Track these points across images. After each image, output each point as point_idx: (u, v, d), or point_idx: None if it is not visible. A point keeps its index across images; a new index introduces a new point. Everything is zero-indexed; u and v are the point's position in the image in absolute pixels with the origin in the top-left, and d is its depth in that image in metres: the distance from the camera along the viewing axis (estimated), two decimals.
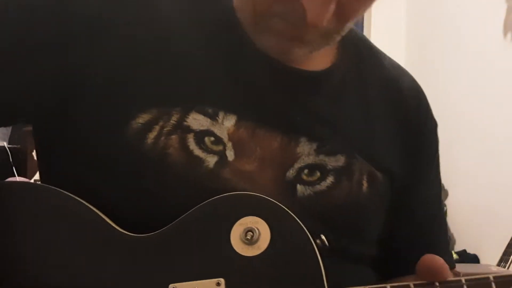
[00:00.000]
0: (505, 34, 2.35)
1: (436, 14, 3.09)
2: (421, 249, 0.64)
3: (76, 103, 0.56)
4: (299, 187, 0.59)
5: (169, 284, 0.52)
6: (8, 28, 0.57)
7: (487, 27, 2.47)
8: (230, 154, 0.58)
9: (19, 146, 3.25)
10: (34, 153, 3.26)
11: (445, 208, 2.89)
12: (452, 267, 0.68)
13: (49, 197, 0.55)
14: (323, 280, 0.52)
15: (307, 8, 0.53)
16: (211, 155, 0.57)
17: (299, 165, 0.60)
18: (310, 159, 0.60)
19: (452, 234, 2.85)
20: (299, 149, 0.60)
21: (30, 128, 0.64)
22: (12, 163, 3.10)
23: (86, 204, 0.54)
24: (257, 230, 0.52)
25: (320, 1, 0.53)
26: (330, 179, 0.61)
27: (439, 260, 0.50)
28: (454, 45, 2.82)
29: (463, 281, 0.47)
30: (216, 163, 0.57)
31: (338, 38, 0.60)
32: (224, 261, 0.52)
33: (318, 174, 0.61)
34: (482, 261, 2.46)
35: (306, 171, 0.60)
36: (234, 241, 0.52)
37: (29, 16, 0.57)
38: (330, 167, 0.61)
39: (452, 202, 2.86)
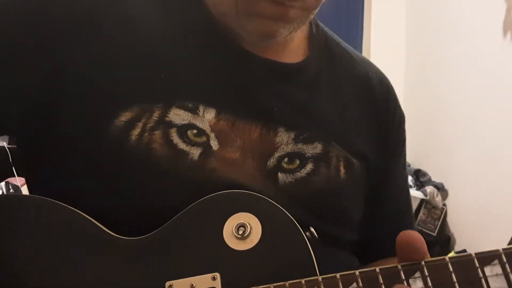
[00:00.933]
0: (504, 34, 2.36)
1: (435, 14, 3.09)
2: (398, 229, 0.70)
3: (59, 105, 0.57)
4: (280, 175, 0.62)
5: (166, 282, 0.52)
6: None
7: (487, 27, 2.47)
8: (214, 144, 0.59)
9: None
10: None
11: (445, 208, 2.89)
12: None
13: (34, 206, 0.55)
14: (315, 270, 0.54)
15: None
16: (195, 147, 0.58)
17: (279, 154, 0.62)
18: (289, 148, 0.63)
19: (452, 234, 2.85)
20: (278, 139, 0.62)
21: None
22: (12, 163, 3.10)
23: (75, 209, 0.55)
24: (248, 225, 0.54)
25: None
26: (309, 166, 0.64)
27: (415, 234, 0.51)
28: (453, 45, 2.82)
29: (447, 259, 0.48)
30: (201, 154, 0.58)
31: (313, 15, 0.63)
32: (218, 256, 0.54)
33: (298, 162, 0.63)
34: None
35: (286, 159, 0.62)
36: (227, 237, 0.54)
37: (10, 20, 0.58)
38: (309, 154, 0.64)
39: (452, 202, 2.86)
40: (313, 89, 0.68)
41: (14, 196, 0.57)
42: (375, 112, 0.73)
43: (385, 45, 3.47)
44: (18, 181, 3.07)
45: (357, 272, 0.49)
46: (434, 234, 2.83)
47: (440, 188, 2.88)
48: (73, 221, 0.55)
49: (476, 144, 2.56)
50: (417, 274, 0.48)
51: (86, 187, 0.57)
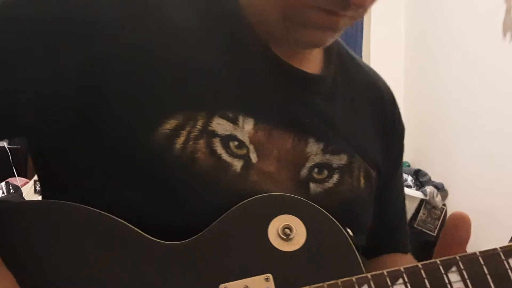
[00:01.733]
0: (504, 34, 2.36)
1: (435, 14, 3.09)
2: (393, 233, 0.81)
3: (101, 109, 0.55)
4: (311, 185, 0.63)
5: (219, 284, 0.52)
6: (16, 32, 0.55)
7: (486, 27, 2.47)
8: (253, 157, 0.59)
9: (19, 146, 3.25)
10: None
11: (445, 208, 2.89)
12: (406, 251, 0.81)
13: (74, 214, 0.54)
14: (361, 267, 0.56)
15: None
16: (237, 159, 0.58)
17: (310, 164, 0.63)
18: (318, 158, 0.64)
19: None
20: (308, 149, 0.64)
21: None
22: (12, 163, 3.10)
23: (117, 218, 0.53)
24: (293, 227, 0.56)
25: None
26: (336, 177, 0.65)
27: (465, 214, 0.57)
28: (453, 46, 2.82)
29: (478, 253, 0.53)
30: (243, 166, 0.58)
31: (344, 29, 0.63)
32: (266, 257, 0.54)
33: (326, 172, 0.64)
34: None
35: (316, 169, 0.64)
36: (272, 239, 0.55)
37: (38, 19, 0.55)
38: (335, 165, 0.65)
39: (451, 202, 2.86)
40: (333, 100, 0.69)
41: (55, 203, 0.55)
42: (383, 120, 0.75)
43: (385, 46, 3.48)
44: (18, 181, 3.08)
45: (402, 268, 0.52)
46: (434, 234, 2.83)
47: (440, 188, 2.88)
48: (117, 229, 0.53)
49: (476, 144, 2.57)
50: (454, 268, 0.52)
51: (125, 196, 0.55)
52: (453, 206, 2.84)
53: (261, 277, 0.53)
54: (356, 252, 0.56)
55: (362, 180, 0.68)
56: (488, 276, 0.51)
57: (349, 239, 0.57)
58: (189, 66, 0.58)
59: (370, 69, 0.78)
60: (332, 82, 0.69)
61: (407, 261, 0.78)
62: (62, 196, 0.58)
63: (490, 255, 0.53)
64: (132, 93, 0.55)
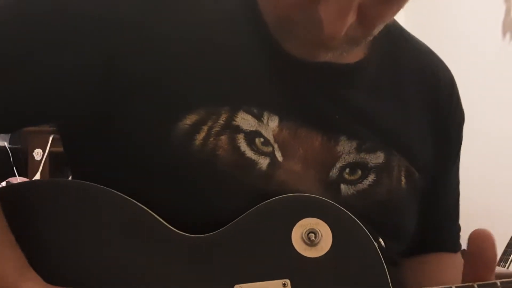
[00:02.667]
0: (503, 34, 2.36)
1: (434, 14, 3.09)
2: (447, 228, 0.72)
3: (121, 105, 0.55)
4: (342, 186, 0.59)
5: (235, 284, 0.51)
6: (37, 31, 0.55)
7: (486, 27, 2.47)
8: (279, 155, 0.56)
9: (19, 146, 3.25)
10: (34, 153, 3.27)
11: None
12: (455, 250, 0.73)
13: (103, 197, 0.53)
14: (387, 280, 0.52)
15: (324, 20, 0.51)
16: (262, 156, 0.55)
17: (341, 164, 0.59)
18: (351, 158, 0.60)
19: None
20: (339, 148, 0.59)
21: (31, 128, 0.63)
22: (13, 163, 3.10)
23: (142, 206, 0.53)
24: (319, 232, 0.52)
25: (336, 13, 0.50)
26: (371, 177, 0.60)
27: (488, 232, 0.51)
28: (452, 45, 2.81)
29: (498, 283, 0.48)
30: (269, 165, 0.55)
31: (369, 39, 0.58)
32: (287, 262, 0.52)
33: (360, 172, 0.60)
34: None
35: (347, 170, 0.59)
36: (295, 242, 0.52)
37: (76, 23, 0.55)
38: (371, 164, 0.60)
39: None
40: (373, 90, 0.63)
41: (78, 183, 0.56)
42: (436, 109, 0.68)
43: None
44: (19, 180, 3.07)
45: None
46: None
47: None
48: (141, 216, 0.53)
49: (476, 144, 2.56)
50: None
51: (145, 190, 0.54)
52: None
53: (278, 282, 0.51)
54: (385, 265, 0.52)
55: (403, 180, 0.63)
56: None
57: (379, 250, 0.53)
58: (212, 61, 0.56)
59: (426, 50, 0.71)
60: (376, 69, 0.64)
61: (454, 262, 0.72)
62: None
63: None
64: (152, 88, 0.55)
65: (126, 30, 0.55)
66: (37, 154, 3.29)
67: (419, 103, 0.67)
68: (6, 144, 3.14)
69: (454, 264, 0.70)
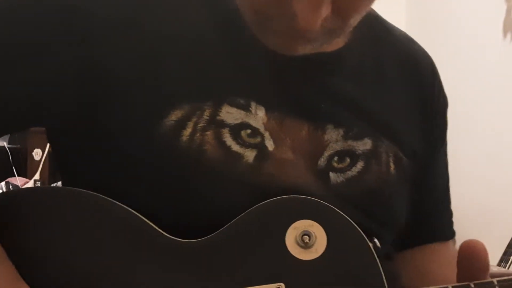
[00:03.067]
0: (504, 34, 2.35)
1: (435, 14, 3.09)
2: (437, 217, 0.72)
3: (104, 104, 0.55)
4: (331, 175, 0.59)
5: None
6: (19, 28, 0.55)
7: (487, 27, 2.47)
8: (270, 144, 0.56)
9: (19, 146, 3.25)
10: (34, 153, 3.27)
11: None
12: (448, 238, 0.73)
13: (93, 203, 0.53)
14: (383, 281, 0.52)
15: (299, 13, 0.51)
16: (249, 149, 0.55)
17: (329, 153, 0.59)
18: (339, 146, 0.60)
19: None
20: (326, 137, 0.60)
21: (31, 128, 0.63)
22: (12, 163, 3.10)
23: (131, 210, 0.52)
24: (313, 234, 0.52)
25: (310, 6, 0.51)
26: (360, 164, 0.60)
27: (479, 243, 0.50)
28: (453, 45, 2.81)
29: (495, 282, 0.48)
30: (256, 157, 0.55)
31: (348, 30, 0.59)
32: (281, 265, 0.51)
33: (348, 160, 0.60)
34: None
35: (336, 158, 0.59)
36: (289, 245, 0.52)
37: (40, 15, 0.55)
38: (359, 151, 0.61)
39: (452, 202, 2.85)
40: (357, 77, 0.63)
41: (68, 189, 0.56)
42: (420, 95, 0.69)
43: None
44: (18, 181, 3.07)
45: None
46: None
47: None
48: (130, 221, 0.52)
49: (476, 144, 2.56)
50: None
51: (132, 190, 0.54)
52: (453, 206, 2.84)
53: (273, 286, 0.51)
54: (380, 267, 0.52)
55: (392, 166, 0.63)
56: None
57: (374, 252, 0.53)
58: (194, 57, 0.57)
59: (407, 38, 0.72)
60: (358, 56, 0.64)
61: (446, 253, 0.71)
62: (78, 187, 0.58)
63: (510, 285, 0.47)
64: (135, 86, 0.54)
65: (106, 30, 0.55)
66: (37, 154, 3.29)
67: (402, 89, 0.67)
68: (5, 144, 3.14)
69: (447, 254, 0.70)
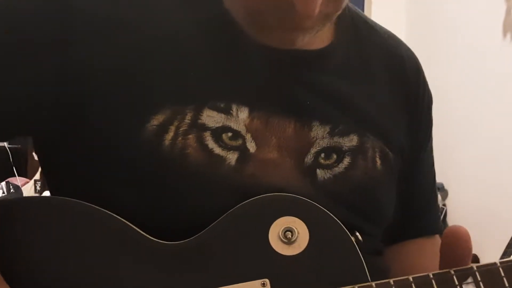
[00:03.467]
0: (504, 34, 2.36)
1: (435, 15, 3.09)
2: (425, 213, 0.73)
3: (86, 109, 0.55)
4: (318, 171, 0.59)
5: None
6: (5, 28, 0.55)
7: (487, 27, 2.47)
8: (251, 146, 0.57)
9: (19, 146, 3.25)
10: (34, 153, 3.27)
11: (445, 208, 2.89)
12: (434, 233, 0.74)
13: (74, 211, 0.53)
14: (366, 274, 0.53)
15: (296, 2, 0.51)
16: (231, 151, 0.56)
17: (315, 150, 0.60)
18: (325, 142, 0.60)
19: None
20: (312, 134, 0.60)
21: None
22: (12, 163, 3.10)
23: (115, 215, 0.53)
24: (295, 229, 0.53)
25: None
26: (346, 160, 0.61)
27: (462, 228, 0.51)
28: (453, 46, 2.82)
29: (498, 263, 0.49)
30: (238, 159, 0.56)
31: (338, 13, 0.59)
32: (265, 261, 0.52)
33: (335, 156, 0.60)
34: (482, 261, 2.46)
35: (322, 155, 0.60)
36: (273, 242, 0.53)
37: (28, 15, 0.55)
38: (345, 148, 0.61)
39: (452, 202, 2.86)
40: (343, 75, 0.64)
41: (50, 198, 0.56)
42: (406, 92, 0.69)
43: None
44: (19, 181, 3.07)
45: (410, 277, 0.49)
46: None
47: (440, 188, 2.88)
48: (112, 225, 0.52)
49: (476, 144, 2.57)
50: (470, 279, 0.48)
51: (116, 194, 0.54)
52: (453, 206, 2.84)
53: (257, 282, 0.51)
54: (362, 259, 0.53)
55: (378, 161, 0.63)
56: None
57: (355, 244, 0.54)
58: (175, 60, 0.57)
59: (391, 36, 0.73)
60: (343, 54, 0.64)
61: (432, 247, 0.71)
62: (63, 194, 0.58)
63: None
64: (117, 91, 0.55)
65: (88, 33, 0.55)
66: None
67: (387, 86, 0.68)
68: (5, 144, 3.14)
69: (435, 248, 0.71)
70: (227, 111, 0.57)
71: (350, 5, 0.67)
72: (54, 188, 0.62)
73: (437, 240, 0.74)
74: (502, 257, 1.96)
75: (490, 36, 2.43)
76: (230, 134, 0.56)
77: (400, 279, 0.49)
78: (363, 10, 3.56)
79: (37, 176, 3.17)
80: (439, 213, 0.77)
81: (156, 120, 0.54)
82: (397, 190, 0.67)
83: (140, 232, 0.53)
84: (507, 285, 0.47)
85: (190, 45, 0.58)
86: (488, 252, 2.35)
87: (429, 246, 0.73)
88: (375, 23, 0.72)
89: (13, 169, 3.09)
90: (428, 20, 3.20)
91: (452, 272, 0.49)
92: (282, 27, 0.56)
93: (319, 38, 0.63)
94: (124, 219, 0.53)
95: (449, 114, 2.86)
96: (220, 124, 0.56)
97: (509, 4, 2.33)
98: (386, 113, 0.67)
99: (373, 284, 0.49)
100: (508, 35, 2.33)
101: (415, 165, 0.71)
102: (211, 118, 0.56)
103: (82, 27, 0.55)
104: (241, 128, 0.57)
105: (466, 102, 2.66)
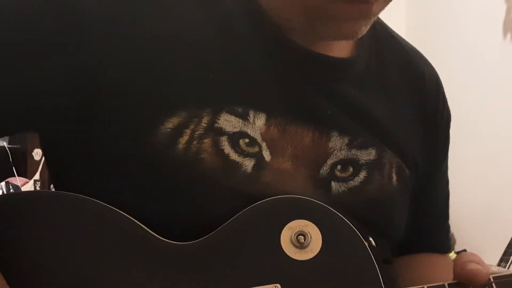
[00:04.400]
0: (504, 34, 2.35)
1: (435, 15, 3.09)
2: (437, 230, 0.74)
3: (98, 110, 0.53)
4: (333, 184, 0.58)
5: None
6: (13, 29, 0.53)
7: (487, 27, 2.47)
8: (266, 155, 0.55)
9: (19, 146, 3.25)
10: (34, 153, 3.26)
11: None
12: (445, 251, 0.74)
13: (88, 208, 0.52)
14: (379, 280, 0.52)
15: None
16: (247, 158, 0.54)
17: (332, 161, 0.58)
18: (343, 154, 0.59)
19: (452, 234, 2.84)
20: (331, 144, 0.58)
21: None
22: (12, 163, 3.10)
23: (126, 215, 0.52)
24: (308, 234, 0.52)
25: None
26: (363, 174, 0.60)
27: (476, 257, 0.51)
28: (453, 46, 2.81)
29: (491, 279, 0.49)
30: (254, 166, 0.54)
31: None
32: (276, 266, 0.51)
33: (351, 169, 0.59)
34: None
35: (339, 167, 0.58)
36: (284, 246, 0.52)
37: (35, 16, 0.53)
38: (363, 161, 0.60)
39: (452, 202, 2.85)
40: (364, 86, 0.63)
41: (61, 194, 0.54)
42: (425, 109, 0.68)
43: None
44: (18, 181, 3.07)
45: (425, 286, 0.48)
46: None
47: None
48: (122, 225, 0.51)
49: (476, 144, 2.56)
50: None
51: (126, 195, 0.53)
52: (453, 206, 2.83)
53: (269, 287, 0.50)
54: (376, 266, 0.52)
55: (395, 177, 0.62)
56: None
57: (370, 250, 0.53)
58: (193, 62, 0.55)
59: (413, 50, 0.71)
60: (365, 66, 0.63)
61: (444, 264, 0.72)
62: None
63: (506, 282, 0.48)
64: (132, 92, 0.53)
65: (103, 33, 0.53)
66: (36, 154, 3.28)
67: (407, 101, 0.67)
68: (5, 144, 3.14)
69: (444, 266, 0.71)
70: (244, 117, 0.55)
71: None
72: (60, 186, 0.61)
73: (447, 259, 0.74)
74: (502, 257, 1.96)
75: (490, 36, 2.43)
76: (247, 140, 0.55)
77: None
78: None
79: (37, 176, 3.17)
80: (449, 232, 0.78)
81: (171, 123, 0.53)
82: (410, 204, 0.66)
83: (150, 232, 0.52)
84: None
85: (209, 46, 0.56)
86: (488, 252, 2.35)
87: (440, 259, 0.73)
88: (396, 34, 0.70)
89: (13, 169, 3.09)
90: (428, 20, 3.19)
91: (447, 286, 0.49)
92: (352, 15, 0.53)
93: (342, 46, 0.62)
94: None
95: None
96: (238, 129, 0.55)
97: (509, 4, 2.33)
98: (404, 128, 0.65)
99: None
100: (508, 35, 2.33)
101: (429, 182, 0.70)
102: (229, 122, 0.54)
103: (97, 31, 0.53)
104: (257, 136, 0.55)
105: (466, 101, 2.66)
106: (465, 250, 2.63)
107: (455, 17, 2.81)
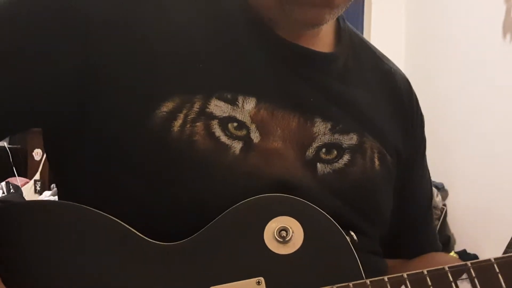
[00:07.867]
0: (504, 35, 2.36)
1: (435, 15, 3.09)
2: (419, 231, 0.76)
3: (96, 99, 0.56)
4: (319, 165, 0.61)
5: (209, 287, 0.52)
6: (18, 30, 0.56)
7: (486, 28, 2.47)
8: (255, 136, 0.59)
9: (19, 146, 3.26)
10: (34, 153, 3.27)
11: (445, 208, 2.89)
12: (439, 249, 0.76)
13: (75, 215, 0.54)
14: (361, 272, 0.54)
15: None
16: (236, 141, 0.58)
17: (317, 145, 0.62)
18: (326, 138, 0.62)
19: (452, 234, 2.85)
20: (315, 129, 0.62)
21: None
22: (12, 163, 3.11)
23: (118, 220, 0.54)
24: (290, 229, 0.54)
25: None
26: (346, 157, 0.63)
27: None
28: (453, 46, 2.82)
29: (493, 260, 0.49)
30: (242, 148, 0.58)
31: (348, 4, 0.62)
32: (260, 260, 0.54)
33: (335, 152, 0.63)
34: None
35: (323, 150, 0.62)
36: (268, 241, 0.54)
37: (38, 16, 0.56)
38: (345, 145, 0.64)
39: (452, 202, 2.86)
40: (345, 79, 0.67)
41: (50, 202, 0.58)
42: (401, 108, 0.73)
43: (385, 46, 3.46)
44: (19, 181, 3.08)
45: (405, 274, 0.49)
46: None
47: (440, 188, 2.88)
48: (114, 230, 0.54)
49: (476, 144, 2.57)
50: (465, 275, 0.48)
51: (125, 182, 0.56)
52: (453, 206, 2.84)
53: (253, 281, 0.52)
54: (357, 257, 0.54)
55: (377, 162, 0.66)
56: (504, 285, 0.47)
57: (350, 243, 0.55)
58: (185, 50, 0.59)
59: (386, 58, 0.76)
60: (343, 64, 0.68)
61: (438, 259, 0.73)
62: (72, 188, 0.60)
63: (508, 262, 0.49)
64: (127, 79, 0.56)
65: (103, 25, 0.56)
66: (37, 154, 3.29)
67: (382, 97, 0.71)
68: (5, 144, 3.15)
69: (438, 260, 0.71)
70: (233, 102, 0.59)
71: (348, 23, 0.71)
72: (61, 179, 0.63)
73: (440, 256, 0.75)
74: None
75: (490, 36, 2.43)
76: (235, 124, 0.58)
77: (395, 276, 0.49)
78: (363, 10, 3.57)
79: (37, 176, 3.18)
80: (436, 232, 0.79)
81: (166, 107, 0.56)
82: (394, 198, 0.69)
83: (141, 236, 0.54)
84: (502, 281, 0.48)
85: (200, 37, 0.60)
86: (488, 252, 2.35)
87: (433, 257, 0.74)
88: (369, 43, 0.76)
89: (13, 169, 3.10)
90: (428, 20, 3.20)
91: (447, 269, 0.49)
92: (316, 2, 0.58)
93: (322, 42, 0.66)
94: (133, 206, 0.55)
95: (449, 114, 2.86)
96: (227, 114, 0.58)
97: (509, 4, 2.34)
98: (383, 117, 0.69)
99: (368, 281, 0.50)
100: (508, 35, 2.33)
101: (410, 174, 0.73)
102: (218, 107, 0.58)
103: (95, 25, 0.56)
104: (246, 119, 0.59)
105: (466, 101, 2.66)
106: (465, 250, 2.63)
107: (455, 18, 2.82)
